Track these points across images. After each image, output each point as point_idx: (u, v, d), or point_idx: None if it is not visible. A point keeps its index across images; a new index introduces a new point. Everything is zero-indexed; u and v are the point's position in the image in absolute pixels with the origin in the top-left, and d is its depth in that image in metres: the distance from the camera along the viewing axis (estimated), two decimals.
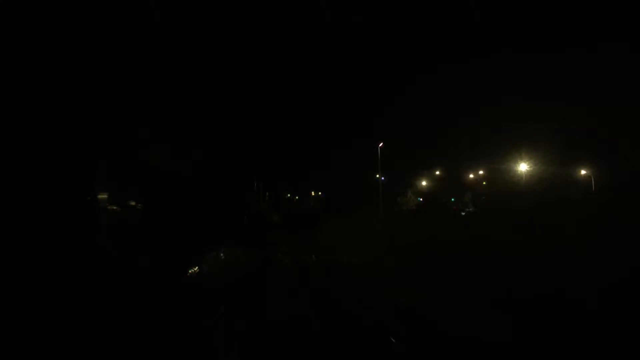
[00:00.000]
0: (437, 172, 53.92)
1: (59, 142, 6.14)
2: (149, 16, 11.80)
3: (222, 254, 16.59)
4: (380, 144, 35.93)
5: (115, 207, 8.70)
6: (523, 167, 35.42)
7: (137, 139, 10.50)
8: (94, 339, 6.04)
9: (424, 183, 53.81)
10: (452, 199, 51.31)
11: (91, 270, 6.26)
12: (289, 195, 76.09)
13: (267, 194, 51.56)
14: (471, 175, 54.05)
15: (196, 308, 10.36)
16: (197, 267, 12.28)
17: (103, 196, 7.04)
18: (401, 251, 24.27)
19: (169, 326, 8.50)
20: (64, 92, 6.30)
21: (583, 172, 38.58)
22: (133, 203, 10.22)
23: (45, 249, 5.69)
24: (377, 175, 50.09)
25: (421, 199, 50.96)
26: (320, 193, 76.47)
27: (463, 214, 44.45)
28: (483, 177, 51.66)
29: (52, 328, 5.60)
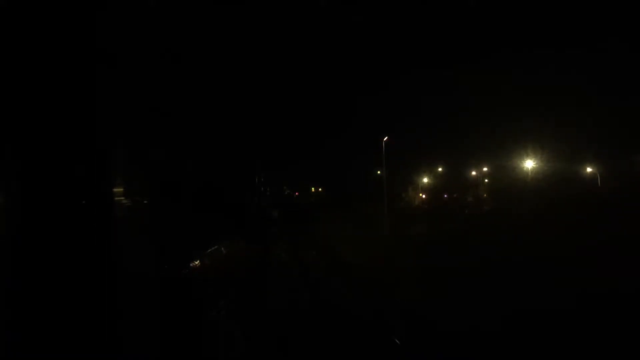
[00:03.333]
0: (440, 169, 53.41)
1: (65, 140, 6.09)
2: (148, 13, 11.54)
3: (223, 249, 16.16)
4: (385, 138, 35.16)
5: (127, 201, 8.70)
6: (529, 163, 34.82)
7: (143, 136, 10.57)
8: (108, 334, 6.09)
9: (425, 180, 53.30)
10: (454, 195, 50.73)
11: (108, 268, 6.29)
12: (288, 191, 75.74)
13: (268, 189, 51.05)
14: (473, 172, 53.59)
15: (198, 301, 10.18)
16: (198, 261, 11.95)
17: (119, 189, 7.23)
18: (409, 251, 23.26)
19: (171, 319, 8.37)
20: (67, 87, 6.20)
21: (589, 169, 38.19)
22: (138, 198, 10.14)
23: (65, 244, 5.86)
24: (379, 172, 49.65)
25: (423, 196, 50.43)
26: (320, 189, 76.21)
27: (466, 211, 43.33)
28: (486, 174, 51.12)
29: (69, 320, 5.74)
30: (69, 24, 6.15)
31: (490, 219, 30.45)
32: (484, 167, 50.95)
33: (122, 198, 8.24)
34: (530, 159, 34.23)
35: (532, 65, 53.20)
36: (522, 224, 25.83)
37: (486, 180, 50.78)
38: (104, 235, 6.32)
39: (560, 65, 47.26)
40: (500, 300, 12.77)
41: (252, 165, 34.44)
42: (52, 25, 5.99)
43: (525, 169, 35.07)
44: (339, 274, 18.64)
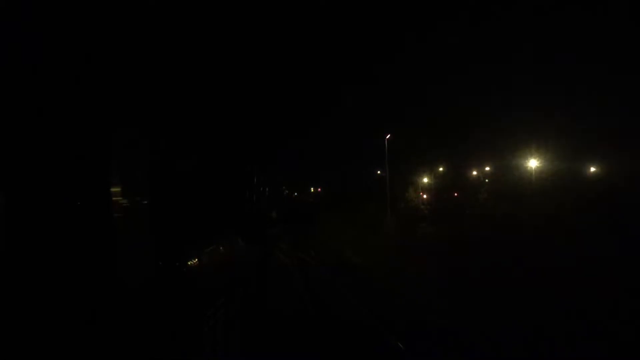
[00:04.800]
0: (440, 169, 52.95)
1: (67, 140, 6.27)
2: (146, 13, 11.49)
3: (221, 248, 15.89)
4: (388, 136, 34.52)
5: (125, 201, 8.60)
6: (533, 163, 34.27)
7: (142, 136, 10.55)
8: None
9: (425, 180, 52.86)
10: (455, 194, 50.23)
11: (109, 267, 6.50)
12: (287, 191, 75.54)
13: (267, 189, 50.68)
14: (474, 172, 53.24)
15: (196, 299, 10.22)
16: (196, 260, 11.73)
17: (116, 189, 7.37)
18: (413, 252, 22.50)
19: (169, 318, 8.38)
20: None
21: (592, 169, 37.84)
22: (138, 198, 10.26)
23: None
24: (379, 172, 49.16)
25: (425, 196, 50.02)
26: (320, 189, 75.98)
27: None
28: (487, 174, 50.76)
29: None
30: (68, 21, 6.14)
31: (494, 219, 29.96)
32: (486, 166, 50.61)
33: (120, 198, 8.20)
34: (535, 158, 33.72)
35: (532, 65, 52.88)
36: (527, 224, 25.41)
37: (486, 180, 50.42)
38: (102, 235, 6.46)
39: (561, 63, 46.88)
40: (506, 306, 12.34)
41: (251, 165, 34.14)
42: (51, 24, 5.96)
43: (529, 168, 34.60)
44: (339, 275, 18.23)
